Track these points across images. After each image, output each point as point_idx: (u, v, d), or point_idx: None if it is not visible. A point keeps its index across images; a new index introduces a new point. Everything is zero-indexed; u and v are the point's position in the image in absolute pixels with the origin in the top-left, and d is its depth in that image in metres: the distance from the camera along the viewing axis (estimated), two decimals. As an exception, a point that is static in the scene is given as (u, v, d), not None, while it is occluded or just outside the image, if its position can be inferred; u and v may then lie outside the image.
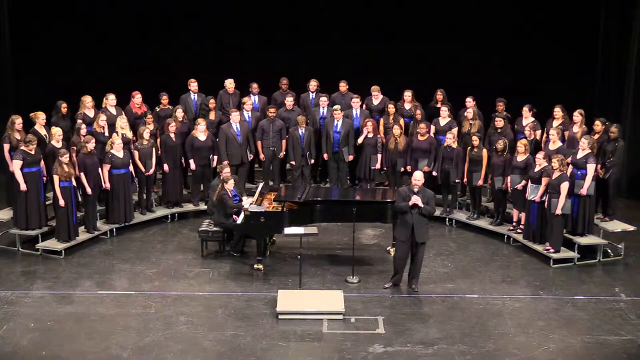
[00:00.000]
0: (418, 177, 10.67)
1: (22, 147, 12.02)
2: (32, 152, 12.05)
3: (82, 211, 12.75)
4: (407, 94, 14.55)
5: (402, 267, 10.88)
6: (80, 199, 12.36)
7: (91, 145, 12.36)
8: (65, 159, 11.88)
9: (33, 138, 12.15)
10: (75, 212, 12.20)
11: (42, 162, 12.23)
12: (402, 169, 13.76)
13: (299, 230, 11.21)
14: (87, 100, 13.67)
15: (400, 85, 14.79)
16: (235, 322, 10.09)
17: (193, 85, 14.69)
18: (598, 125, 12.83)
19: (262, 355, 9.32)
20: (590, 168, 11.95)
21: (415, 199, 10.51)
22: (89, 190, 12.33)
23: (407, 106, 14.50)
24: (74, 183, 12.08)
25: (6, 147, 12.41)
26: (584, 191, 11.97)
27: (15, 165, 11.98)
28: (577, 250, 12.05)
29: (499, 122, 13.43)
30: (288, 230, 11.32)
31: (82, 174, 12.27)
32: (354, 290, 11.03)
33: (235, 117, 13.88)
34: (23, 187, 12.00)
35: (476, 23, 16.32)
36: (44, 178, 12.24)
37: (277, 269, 11.75)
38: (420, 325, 10.05)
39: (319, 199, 11.89)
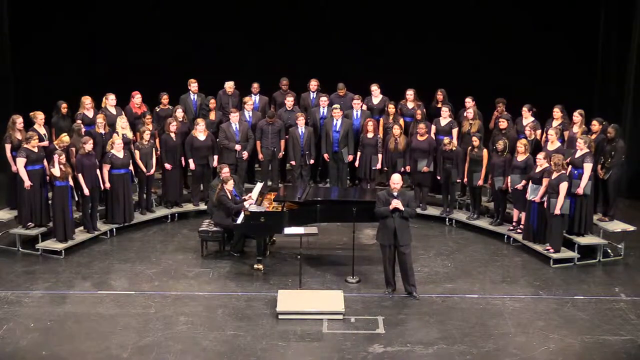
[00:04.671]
0: (396, 180, 10.61)
1: (25, 145, 12.04)
2: (35, 150, 12.07)
3: (80, 211, 12.74)
4: (410, 93, 14.54)
5: (392, 273, 10.81)
6: (77, 199, 12.35)
7: (89, 146, 12.36)
8: (62, 159, 11.89)
9: (33, 134, 12.18)
10: (71, 211, 12.19)
11: (45, 161, 12.22)
12: (402, 169, 13.75)
13: (299, 230, 11.21)
14: (87, 101, 13.68)
15: (401, 85, 14.79)
16: (235, 322, 10.09)
17: (193, 85, 14.69)
18: (595, 125, 12.83)
19: (262, 355, 9.32)
20: (587, 167, 11.95)
21: (396, 203, 10.43)
22: (86, 191, 12.32)
23: (410, 105, 14.49)
24: (71, 183, 12.08)
25: (7, 147, 12.45)
26: (580, 190, 11.97)
27: (19, 163, 12.00)
28: (577, 250, 12.05)
29: (503, 123, 13.38)
30: (288, 230, 11.32)
31: (79, 174, 12.27)
32: (354, 290, 11.03)
33: (234, 117, 13.88)
34: (28, 183, 12.01)
35: (476, 23, 16.33)
36: (47, 177, 12.22)
37: (277, 269, 11.74)
38: (420, 325, 10.05)
39: (319, 199, 11.90)
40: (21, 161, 11.99)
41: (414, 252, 11.30)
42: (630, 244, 12.51)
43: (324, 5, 16.61)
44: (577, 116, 13.00)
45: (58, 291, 10.98)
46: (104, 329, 9.86)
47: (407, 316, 10.30)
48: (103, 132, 13.16)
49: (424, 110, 14.21)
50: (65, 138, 12.43)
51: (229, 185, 12.01)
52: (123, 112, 13.88)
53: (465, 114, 14.00)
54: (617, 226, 12.52)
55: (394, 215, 10.49)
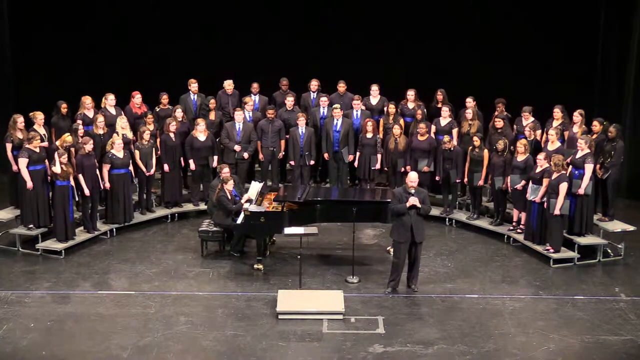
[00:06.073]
0: (413, 179, 10.66)
1: (27, 145, 12.05)
2: (37, 150, 12.07)
3: (79, 211, 12.73)
4: (410, 93, 14.54)
5: (401, 269, 10.86)
6: (78, 199, 12.36)
7: (89, 146, 12.36)
8: (63, 159, 11.90)
9: (35, 134, 12.18)
10: (72, 211, 12.20)
11: (47, 161, 12.22)
12: (402, 169, 13.76)
13: (299, 230, 11.21)
14: (87, 101, 13.68)
15: (400, 85, 14.80)
16: (235, 322, 10.09)
17: (193, 85, 14.68)
18: (596, 125, 12.84)
19: (262, 355, 9.33)
20: (588, 168, 11.95)
21: (413, 200, 10.49)
22: (86, 191, 12.32)
23: (411, 105, 14.50)
24: (72, 183, 12.08)
25: (9, 146, 12.45)
26: (581, 191, 11.97)
27: (21, 164, 12.00)
28: (577, 250, 12.05)
29: (499, 123, 13.44)
30: (288, 230, 11.32)
31: (79, 175, 12.26)
32: (354, 290, 11.03)
33: (238, 116, 13.89)
34: (30, 184, 12.01)
35: (476, 23, 16.31)
36: (49, 177, 12.21)
37: (277, 269, 11.75)
38: (420, 325, 10.05)
39: (319, 199, 11.90)
40: (23, 161, 11.99)
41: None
42: (630, 244, 12.51)
43: (324, 5, 16.61)
44: (577, 116, 13.01)
45: (58, 291, 10.99)
46: (104, 329, 9.86)
47: (407, 316, 10.30)
48: (102, 132, 13.15)
49: (425, 110, 14.22)
50: (68, 138, 12.43)
51: (229, 186, 12.01)
52: (122, 112, 13.87)
53: (465, 114, 14.00)
54: (617, 226, 12.53)
55: (410, 213, 10.52)
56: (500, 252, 12.52)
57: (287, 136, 14.24)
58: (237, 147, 13.87)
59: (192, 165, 13.73)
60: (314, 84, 14.98)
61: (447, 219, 13.67)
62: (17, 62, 16.08)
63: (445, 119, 13.95)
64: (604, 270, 11.92)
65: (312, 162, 14.28)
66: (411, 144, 13.70)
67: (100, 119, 13.19)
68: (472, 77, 15.67)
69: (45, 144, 12.64)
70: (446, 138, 13.26)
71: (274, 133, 14.14)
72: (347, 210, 11.42)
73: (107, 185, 12.72)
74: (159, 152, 13.53)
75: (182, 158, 13.71)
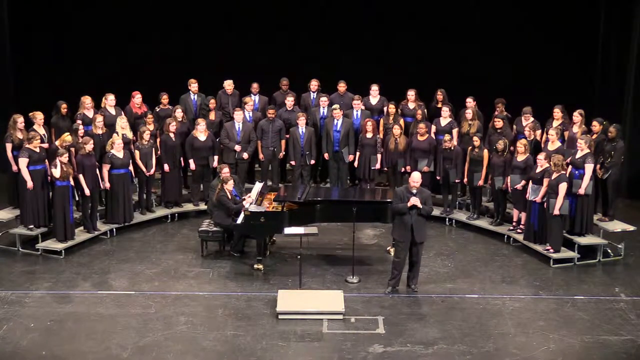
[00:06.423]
0: (416, 179, 10.64)
1: (27, 145, 12.05)
2: (37, 150, 12.07)
3: (79, 211, 12.73)
4: (411, 93, 14.55)
5: (402, 268, 10.87)
6: (78, 199, 12.36)
7: (89, 146, 12.36)
8: (64, 158, 11.91)
9: (35, 134, 12.17)
10: (72, 211, 12.19)
11: (47, 161, 12.22)
12: (403, 169, 13.77)
13: (299, 230, 11.21)
14: (87, 101, 13.68)
15: (401, 85, 14.80)
16: (235, 322, 10.09)
17: (193, 85, 14.69)
18: (596, 125, 12.84)
19: (262, 355, 9.33)
20: (588, 168, 11.95)
21: (414, 200, 10.49)
22: (87, 191, 12.32)
23: (411, 105, 14.50)
24: (72, 183, 12.08)
25: (8, 146, 12.45)
26: (581, 191, 11.98)
27: (21, 163, 11.99)
28: (577, 250, 12.05)
29: (498, 123, 13.46)
30: (288, 230, 11.32)
31: (80, 175, 12.26)
32: (354, 290, 11.03)
33: (238, 116, 13.89)
34: (30, 184, 12.01)
35: (476, 23, 16.32)
36: (49, 178, 12.21)
37: (277, 269, 11.75)
38: (420, 325, 10.05)
39: (319, 199, 11.90)
40: (23, 161, 11.99)
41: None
42: (630, 244, 12.52)
43: (324, 5, 16.61)
44: (577, 116, 13.02)
45: (58, 291, 10.98)
46: (104, 329, 9.87)
47: (407, 316, 10.30)
48: (100, 132, 13.15)
49: (425, 110, 14.22)
50: (67, 137, 12.43)
51: (229, 186, 12.01)
52: (122, 112, 13.87)
53: (464, 114, 14.00)
54: (617, 226, 12.53)
55: (411, 213, 10.52)
56: (500, 252, 12.52)
57: (288, 136, 14.25)
58: (237, 147, 13.88)
59: (192, 165, 13.74)
60: (314, 84, 14.98)
61: (447, 219, 13.67)
62: (17, 62, 16.08)
63: (445, 119, 13.96)
64: (604, 270, 11.92)
65: (312, 162, 14.29)
66: (411, 144, 13.71)
67: (99, 119, 13.18)
68: (472, 77, 15.67)
69: (46, 145, 12.64)
70: (446, 137, 13.27)
71: (275, 133, 14.14)
72: (347, 210, 11.42)
73: (107, 185, 12.72)
74: (159, 152, 13.53)
75: (182, 158, 13.72)
